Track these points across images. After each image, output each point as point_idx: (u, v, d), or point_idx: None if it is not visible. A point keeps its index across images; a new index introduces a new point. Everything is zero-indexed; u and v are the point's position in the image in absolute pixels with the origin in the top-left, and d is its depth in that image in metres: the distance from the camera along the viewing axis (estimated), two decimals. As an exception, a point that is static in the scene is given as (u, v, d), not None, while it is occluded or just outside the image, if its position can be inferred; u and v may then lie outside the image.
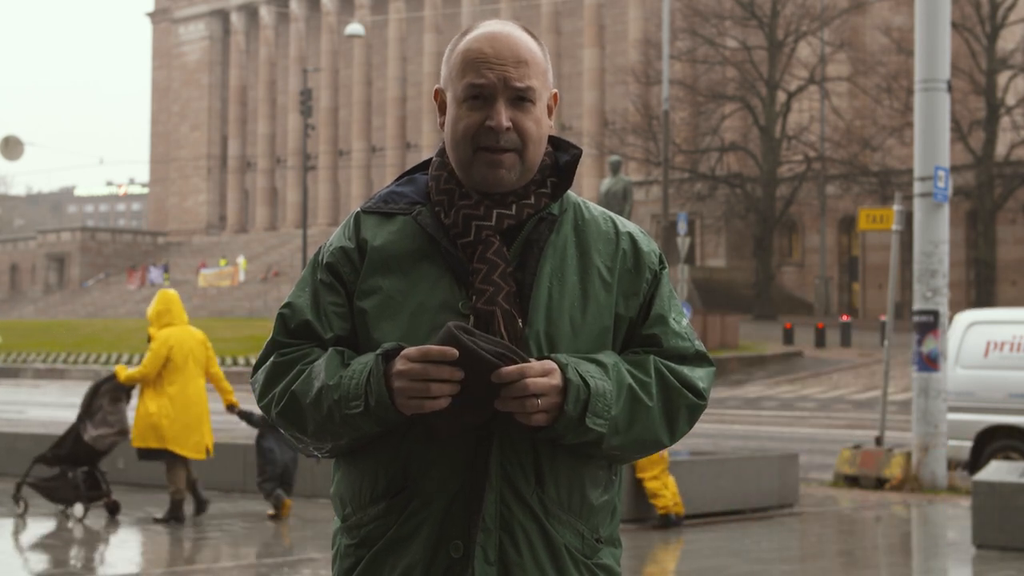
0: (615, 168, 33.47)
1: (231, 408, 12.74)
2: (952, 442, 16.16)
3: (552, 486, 2.65)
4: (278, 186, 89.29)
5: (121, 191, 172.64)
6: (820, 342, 44.96)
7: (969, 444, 16.20)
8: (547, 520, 2.65)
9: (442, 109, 2.78)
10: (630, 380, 2.65)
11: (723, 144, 55.66)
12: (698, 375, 2.74)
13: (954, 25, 41.39)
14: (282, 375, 2.69)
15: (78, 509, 12.69)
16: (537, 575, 2.63)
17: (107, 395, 12.74)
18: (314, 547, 11.28)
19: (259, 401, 2.74)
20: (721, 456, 14.63)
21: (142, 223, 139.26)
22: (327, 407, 2.61)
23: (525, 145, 2.70)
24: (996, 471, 11.90)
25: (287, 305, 2.76)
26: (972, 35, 48.54)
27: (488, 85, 2.68)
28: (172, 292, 12.97)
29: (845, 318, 47.97)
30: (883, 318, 37.34)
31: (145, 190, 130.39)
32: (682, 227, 34.80)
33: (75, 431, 12.69)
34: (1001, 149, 49.84)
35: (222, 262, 77.32)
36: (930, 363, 16.06)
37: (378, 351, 2.60)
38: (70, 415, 14.16)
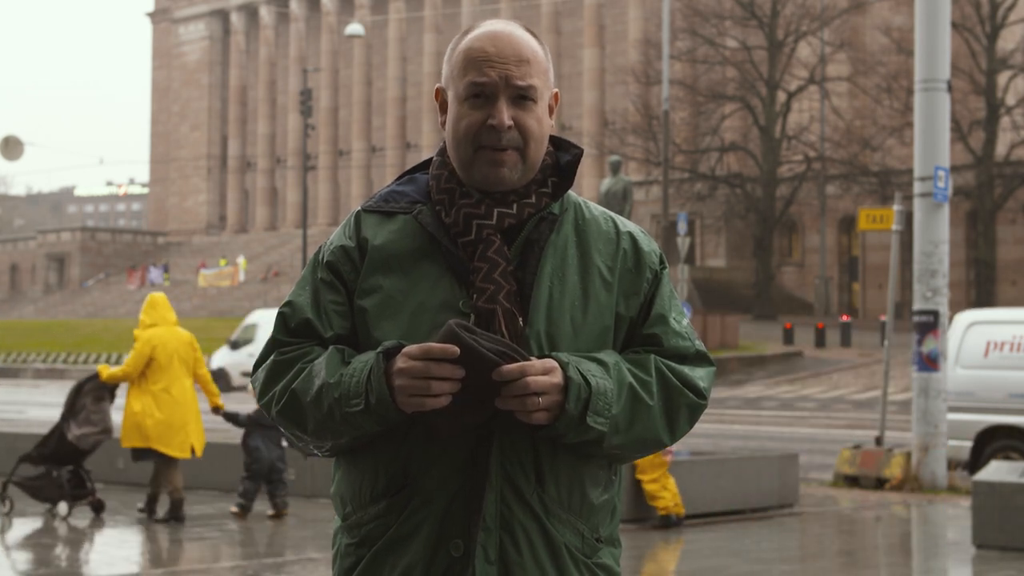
0: (615, 168, 33.50)
1: (216, 410, 12.83)
2: (952, 442, 16.16)
3: (552, 485, 2.65)
4: (278, 186, 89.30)
5: (121, 191, 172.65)
6: (820, 342, 44.97)
7: (969, 444, 16.20)
8: (547, 519, 2.65)
9: (443, 108, 2.78)
10: (631, 379, 2.65)
11: (723, 144, 55.66)
12: (699, 375, 2.74)
13: (954, 25, 41.38)
14: (282, 373, 2.69)
15: (62, 507, 12.75)
16: (537, 574, 2.63)
17: (90, 394, 12.82)
18: (314, 547, 11.29)
19: (259, 399, 2.74)
20: (721, 456, 14.63)
21: (142, 223, 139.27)
22: (327, 405, 2.61)
23: (527, 144, 2.70)
24: (996, 471, 11.90)
25: (288, 304, 2.77)
26: (972, 35, 48.54)
27: (490, 84, 2.68)
28: (159, 294, 13.11)
29: (845, 318, 47.97)
30: (883, 318, 37.34)
31: (145, 190, 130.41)
32: (682, 227, 34.80)
33: (59, 430, 12.79)
34: (1001, 149, 49.84)
35: (222, 262, 77.32)
36: (930, 363, 16.05)
37: (379, 349, 2.60)
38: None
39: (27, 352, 55.35)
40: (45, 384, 44.83)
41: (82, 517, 12.85)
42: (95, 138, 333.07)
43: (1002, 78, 49.73)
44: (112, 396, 12.99)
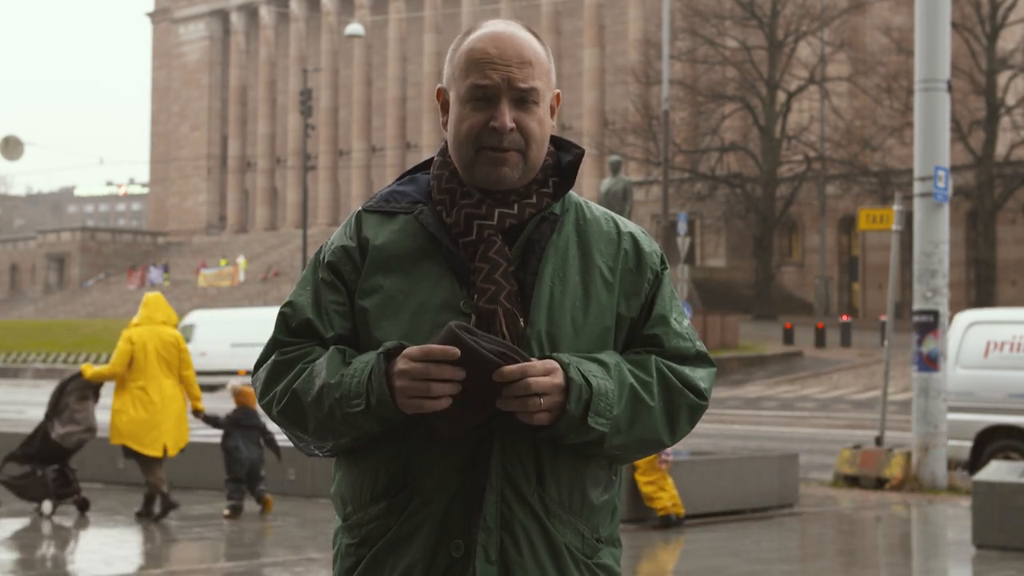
0: (615, 168, 33.50)
1: (196, 413, 12.86)
2: (952, 442, 16.16)
3: (553, 486, 2.65)
4: (278, 186, 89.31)
5: (121, 191, 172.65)
6: (820, 342, 44.98)
7: (969, 444, 16.21)
8: (548, 520, 2.65)
9: (445, 108, 2.78)
10: (632, 380, 2.65)
11: (723, 144, 55.68)
12: (699, 375, 2.74)
13: (954, 25, 41.38)
14: (283, 374, 2.70)
15: (46, 506, 12.80)
16: (538, 575, 2.63)
17: (74, 393, 12.88)
18: (314, 547, 11.29)
19: (260, 400, 2.74)
20: (721, 456, 14.63)
21: (142, 223, 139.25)
22: (328, 405, 2.61)
23: (528, 145, 2.69)
24: (996, 471, 11.90)
25: (288, 304, 2.77)
26: (972, 35, 48.55)
27: (492, 86, 2.67)
28: (152, 294, 13.25)
29: (845, 318, 47.99)
30: (883, 318, 37.35)
31: (145, 190, 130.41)
32: (682, 227, 34.80)
33: (42, 429, 12.84)
34: (1001, 149, 49.85)
35: (222, 262, 77.34)
36: (930, 363, 16.06)
37: (380, 349, 2.60)
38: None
39: (27, 352, 55.35)
40: (45, 384, 44.81)
41: (68, 515, 12.89)
42: (95, 138, 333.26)
43: (1002, 78, 49.74)
44: (97, 395, 13.05)
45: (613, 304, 2.72)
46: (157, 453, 12.54)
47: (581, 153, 2.80)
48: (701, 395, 2.73)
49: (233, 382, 13.65)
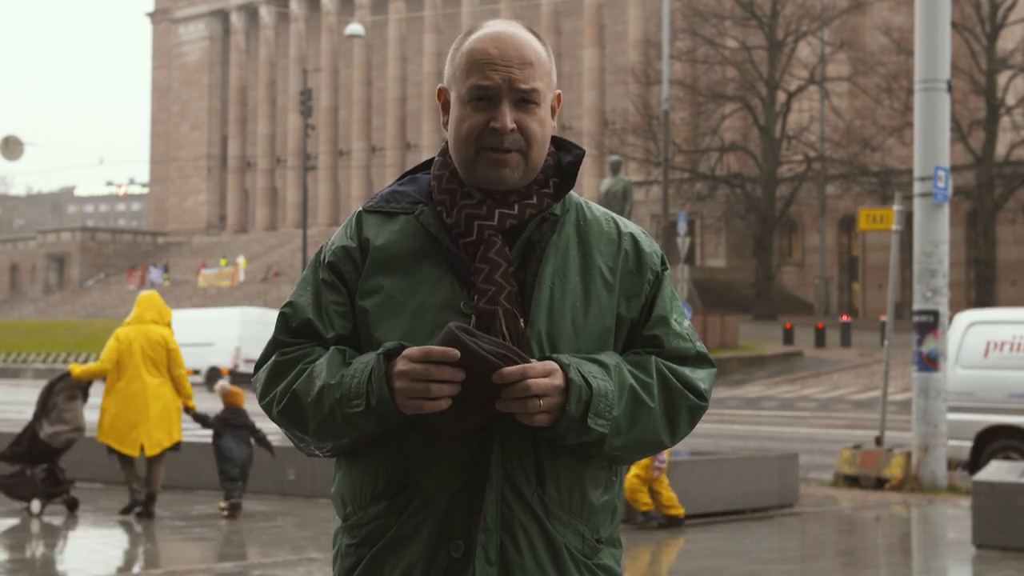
0: (615, 168, 33.47)
1: (187, 410, 12.87)
2: (952, 442, 16.16)
3: (553, 486, 2.65)
4: (278, 186, 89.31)
5: (121, 191, 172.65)
6: (820, 342, 44.98)
7: (969, 444, 16.21)
8: (548, 520, 2.65)
9: (445, 108, 2.78)
10: (631, 381, 2.65)
11: (723, 144, 55.68)
12: (699, 376, 2.74)
13: (954, 25, 41.39)
14: (283, 374, 2.70)
15: (35, 505, 12.82)
16: (538, 575, 2.63)
17: (62, 393, 12.94)
18: (314, 547, 11.29)
19: (260, 400, 2.74)
20: (721, 456, 14.63)
21: (142, 223, 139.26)
22: (328, 406, 2.61)
23: (529, 146, 2.69)
24: (996, 471, 11.91)
25: (289, 304, 2.77)
26: (972, 35, 48.55)
27: (493, 87, 2.67)
28: (145, 293, 13.39)
29: (845, 318, 47.99)
30: (883, 318, 37.35)
31: (145, 190, 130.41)
32: (682, 227, 34.81)
33: (31, 429, 12.87)
34: (1001, 149, 49.86)
35: (222, 262, 77.34)
36: (930, 363, 16.06)
37: (380, 350, 2.60)
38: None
39: (27, 352, 55.36)
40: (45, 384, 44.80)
41: (57, 515, 12.91)
42: (95, 138, 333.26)
43: (1002, 78, 49.74)
44: (85, 395, 13.10)
45: (613, 305, 2.72)
46: (134, 452, 12.61)
47: (582, 154, 2.80)
48: (701, 396, 2.73)
49: (221, 383, 13.66)
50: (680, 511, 12.44)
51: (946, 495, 15.55)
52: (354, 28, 52.76)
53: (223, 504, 12.91)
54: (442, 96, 2.79)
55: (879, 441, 17.05)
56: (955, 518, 13.74)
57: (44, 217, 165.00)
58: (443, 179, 2.75)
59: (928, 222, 16.29)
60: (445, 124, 2.77)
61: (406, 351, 2.56)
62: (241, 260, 76.04)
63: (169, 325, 13.02)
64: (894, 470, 16.14)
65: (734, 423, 26.30)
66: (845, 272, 59.35)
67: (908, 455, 16.19)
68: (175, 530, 12.24)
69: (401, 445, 2.65)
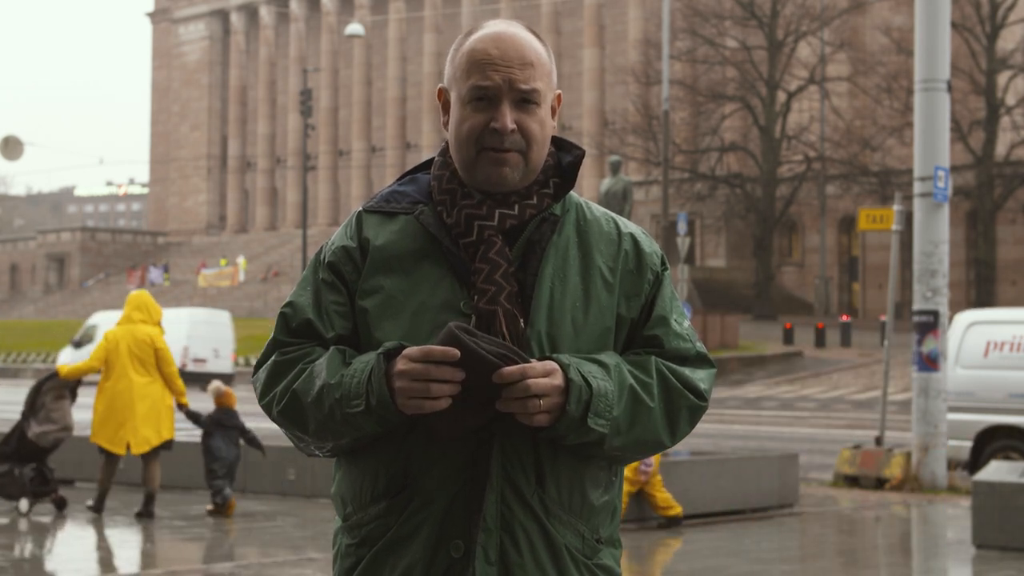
0: (615, 168, 33.48)
1: (180, 407, 12.90)
2: (952, 442, 16.16)
3: (553, 486, 2.65)
4: (278, 186, 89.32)
5: (121, 191, 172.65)
6: (820, 342, 44.98)
7: (969, 444, 16.21)
8: (548, 520, 2.65)
9: (445, 108, 2.78)
10: (631, 381, 2.66)
11: (723, 144, 55.69)
12: (699, 376, 2.74)
13: (954, 25, 41.40)
14: (283, 374, 2.70)
15: (23, 504, 12.85)
16: (538, 575, 2.63)
17: (50, 392, 12.98)
18: (314, 547, 11.29)
19: (260, 400, 2.74)
20: (721, 456, 14.63)
21: (142, 223, 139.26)
22: (328, 406, 2.61)
23: (529, 146, 2.69)
24: (996, 471, 11.91)
25: (289, 304, 2.77)
26: (972, 35, 48.56)
27: (493, 87, 2.67)
28: (136, 292, 13.39)
29: (845, 318, 48.00)
30: (883, 318, 37.35)
31: (145, 190, 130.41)
32: (682, 227, 34.81)
33: (19, 429, 12.88)
34: (1001, 149, 49.87)
35: (222, 262, 77.35)
36: (930, 363, 16.06)
37: (380, 350, 2.60)
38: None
39: (27, 352, 55.34)
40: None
41: (46, 514, 12.93)
42: (95, 138, 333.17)
43: (1002, 78, 49.75)
44: (74, 395, 13.13)
45: (613, 305, 2.72)
46: (120, 451, 12.64)
47: (582, 154, 2.80)
48: (701, 396, 2.73)
49: (215, 383, 13.67)
50: (678, 510, 12.44)
51: (946, 495, 15.55)
52: (354, 28, 52.77)
53: (209, 506, 12.95)
54: (442, 96, 2.79)
55: (879, 441, 17.06)
56: (955, 518, 13.74)
57: (44, 217, 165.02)
58: (443, 179, 2.75)
59: (928, 222, 16.30)
60: (445, 124, 2.77)
61: (406, 351, 2.56)
62: (241, 260, 76.05)
63: (159, 324, 13.00)
64: (894, 470, 16.14)
65: (734, 423, 26.30)
66: (845, 272, 59.36)
67: (908, 455, 16.19)
68: (174, 530, 12.24)
69: (401, 445, 2.65)
